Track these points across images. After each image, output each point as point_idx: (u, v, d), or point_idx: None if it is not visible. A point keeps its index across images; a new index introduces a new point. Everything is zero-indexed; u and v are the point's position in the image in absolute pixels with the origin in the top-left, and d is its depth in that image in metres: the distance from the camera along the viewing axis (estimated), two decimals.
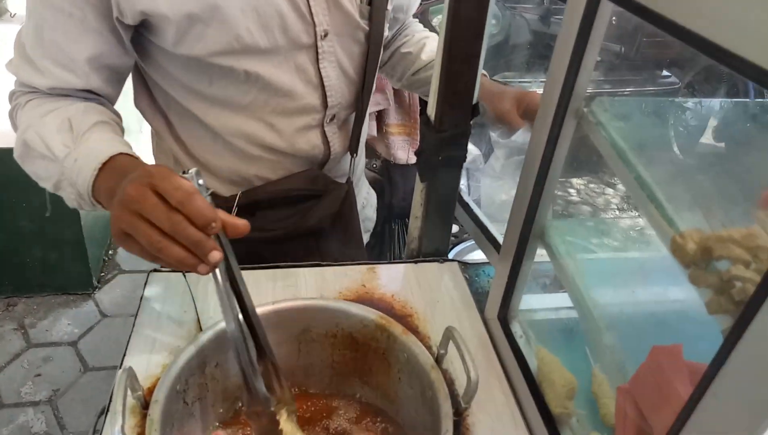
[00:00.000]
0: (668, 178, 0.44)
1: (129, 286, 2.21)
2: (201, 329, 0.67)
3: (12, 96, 0.72)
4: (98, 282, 2.20)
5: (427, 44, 0.95)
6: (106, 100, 0.74)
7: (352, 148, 0.88)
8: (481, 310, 0.76)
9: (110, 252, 2.36)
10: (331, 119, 0.83)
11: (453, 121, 0.72)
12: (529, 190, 0.59)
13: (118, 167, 0.60)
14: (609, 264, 0.59)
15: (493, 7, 1.41)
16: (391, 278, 0.80)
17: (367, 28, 0.79)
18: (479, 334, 0.72)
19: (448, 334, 0.62)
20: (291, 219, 0.85)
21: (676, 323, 0.45)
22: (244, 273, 0.54)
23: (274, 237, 0.84)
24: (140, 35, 0.71)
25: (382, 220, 1.47)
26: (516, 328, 0.70)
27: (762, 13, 0.30)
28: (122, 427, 0.50)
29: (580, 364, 0.59)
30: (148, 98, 0.81)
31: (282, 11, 0.70)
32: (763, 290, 0.31)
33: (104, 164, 0.60)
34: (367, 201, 1.07)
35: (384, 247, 1.54)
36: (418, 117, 1.42)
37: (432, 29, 1.05)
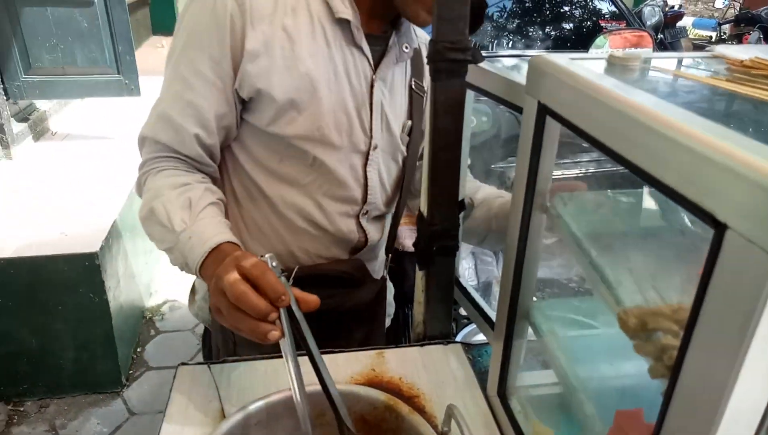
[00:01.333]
0: (616, 260, 0.52)
1: (156, 382, 2.26)
2: (224, 416, 0.73)
3: (142, 165, 0.88)
4: (127, 380, 2.26)
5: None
6: (216, 168, 0.92)
7: (387, 248, 1.05)
8: (484, 388, 0.81)
9: (138, 349, 2.43)
10: (366, 213, 0.98)
11: (442, 216, 0.81)
12: (511, 276, 0.67)
13: (221, 254, 0.74)
14: (584, 340, 0.65)
15: (485, 106, 1.55)
16: (398, 362, 0.86)
17: (405, 153, 0.99)
18: (483, 412, 0.77)
19: (450, 412, 0.67)
20: (332, 299, 0.95)
21: (638, 390, 0.50)
22: None
23: (316, 314, 0.94)
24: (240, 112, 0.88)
25: (395, 306, 1.53)
26: (515, 404, 0.74)
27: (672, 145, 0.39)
28: None
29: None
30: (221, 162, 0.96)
31: (352, 122, 0.89)
32: (681, 355, 0.38)
33: (211, 251, 0.74)
34: (389, 290, 1.18)
35: (398, 331, 1.59)
36: None
37: None
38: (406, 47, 0.92)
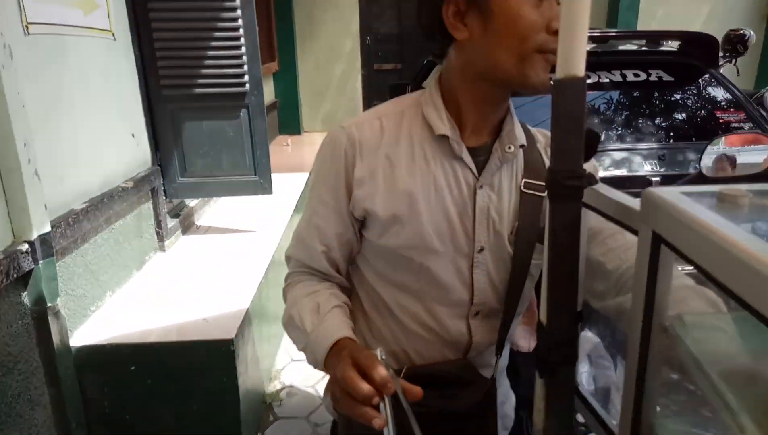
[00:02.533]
0: (739, 386, 0.54)
1: None
2: None
3: (286, 278, 1.08)
4: None
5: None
6: (343, 278, 1.07)
7: (498, 348, 1.06)
8: None
9: (258, 434, 2.57)
10: (476, 314, 1.03)
11: (561, 326, 0.86)
12: (632, 390, 0.69)
13: (340, 348, 0.86)
14: None
15: None
16: None
17: (512, 252, 1.01)
18: None
19: None
20: (439, 400, 1.00)
21: None
22: None
23: (425, 412, 0.99)
24: (359, 230, 1.02)
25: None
26: None
27: None
28: None
29: None
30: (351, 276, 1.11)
31: (454, 227, 0.97)
32: None
33: (333, 345, 0.87)
34: (506, 398, 1.19)
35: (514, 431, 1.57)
36: (536, 308, 1.54)
37: None
38: (509, 147, 0.97)
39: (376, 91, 7.57)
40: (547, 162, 1.02)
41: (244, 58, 3.01)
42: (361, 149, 0.95)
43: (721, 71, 3.25)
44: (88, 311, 2.34)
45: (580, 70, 0.70)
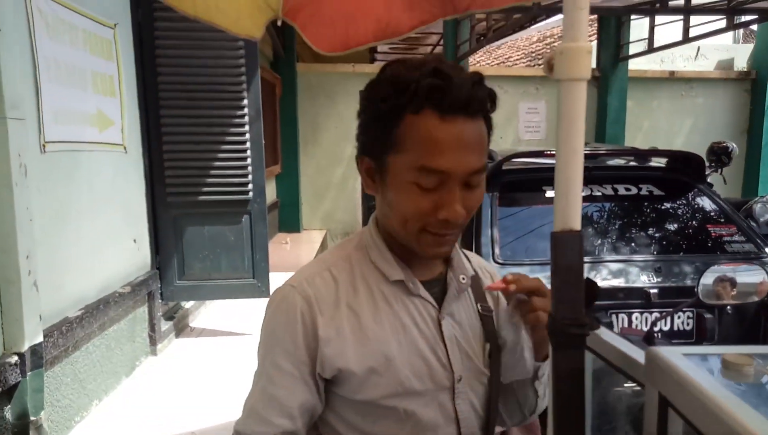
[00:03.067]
0: None
1: None
2: None
3: None
4: None
5: None
6: None
7: None
8: None
9: None
10: None
11: None
12: None
13: None
14: None
15: None
16: None
17: (488, 373, 1.00)
18: None
19: None
20: None
21: None
22: None
23: None
24: (327, 387, 0.95)
25: None
26: None
27: None
28: None
29: None
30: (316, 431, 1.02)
31: (430, 364, 0.93)
32: None
33: None
34: None
35: None
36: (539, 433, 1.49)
37: None
38: (463, 278, 0.98)
39: None
40: (483, 280, 1.05)
41: (249, 168, 3.12)
42: (320, 306, 0.91)
43: (709, 179, 3.37)
44: (72, 423, 2.24)
45: (576, 224, 0.73)
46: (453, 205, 0.83)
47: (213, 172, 3.09)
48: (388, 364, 0.91)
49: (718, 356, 0.62)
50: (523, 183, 2.98)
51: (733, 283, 1.91)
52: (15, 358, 1.79)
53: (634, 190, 2.99)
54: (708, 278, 1.91)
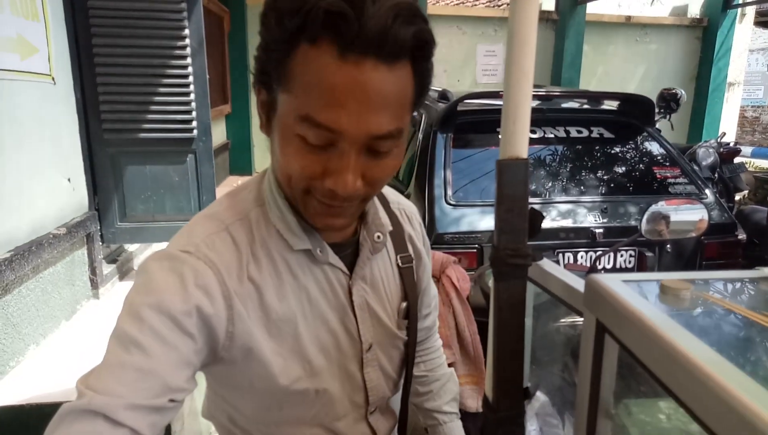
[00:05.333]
0: None
1: None
2: None
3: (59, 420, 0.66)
4: None
5: (444, 393, 1.13)
6: None
7: (400, 432, 1.00)
8: None
9: None
10: (373, 411, 0.94)
11: (508, 403, 0.83)
12: None
13: None
14: None
15: None
16: None
17: (405, 337, 0.94)
18: None
19: None
20: None
21: None
22: None
23: None
24: (222, 379, 0.83)
25: None
26: None
27: None
28: None
29: None
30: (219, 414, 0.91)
31: (337, 336, 0.85)
32: None
33: None
34: None
35: None
36: (483, 367, 1.52)
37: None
38: (379, 236, 0.87)
39: None
40: (408, 229, 0.96)
41: (193, 104, 2.95)
42: (230, 275, 0.73)
43: (657, 126, 3.46)
44: (7, 367, 2.15)
45: (522, 151, 0.70)
46: (343, 175, 0.65)
47: (153, 107, 2.91)
48: (295, 343, 0.80)
49: (657, 282, 0.61)
50: (477, 124, 2.96)
51: (667, 220, 1.99)
52: None
53: (585, 133, 3.03)
54: (649, 215, 1.98)
